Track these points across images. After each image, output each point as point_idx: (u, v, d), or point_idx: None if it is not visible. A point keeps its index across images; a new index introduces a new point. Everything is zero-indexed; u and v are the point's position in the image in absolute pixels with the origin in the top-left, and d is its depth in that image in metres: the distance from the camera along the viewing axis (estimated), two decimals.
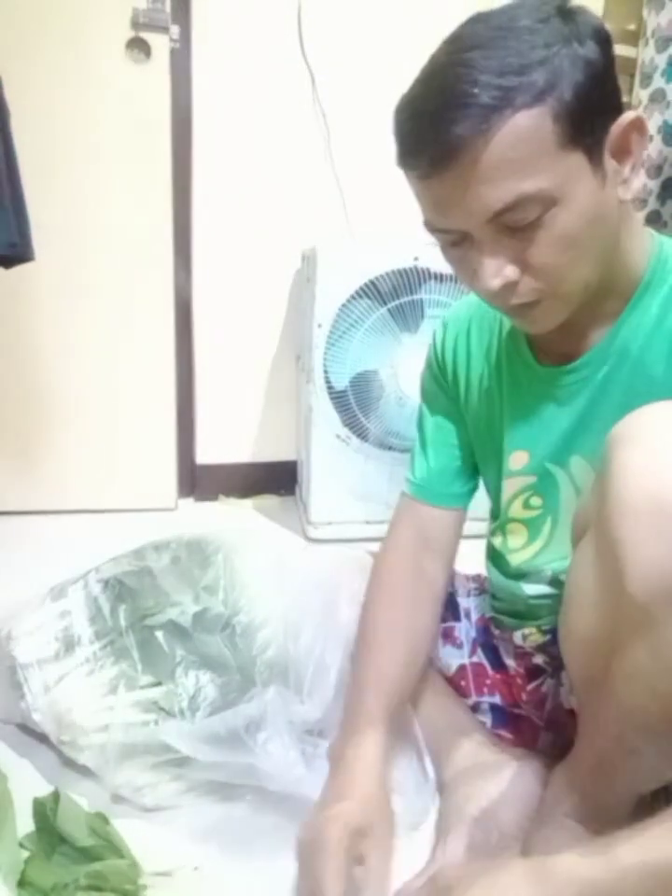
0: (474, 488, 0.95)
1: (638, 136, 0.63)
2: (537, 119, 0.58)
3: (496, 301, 0.68)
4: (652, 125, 1.83)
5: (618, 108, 0.63)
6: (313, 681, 0.87)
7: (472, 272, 0.66)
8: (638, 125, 0.63)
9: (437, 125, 0.59)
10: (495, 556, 0.90)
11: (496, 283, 0.64)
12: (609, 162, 0.63)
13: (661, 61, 1.81)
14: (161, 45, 1.73)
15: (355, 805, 0.72)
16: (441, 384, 0.93)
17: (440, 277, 1.64)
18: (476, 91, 0.57)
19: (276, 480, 2.10)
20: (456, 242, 0.66)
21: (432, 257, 1.63)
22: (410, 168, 0.65)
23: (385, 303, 1.63)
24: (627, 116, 0.62)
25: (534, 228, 0.61)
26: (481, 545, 0.95)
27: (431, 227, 0.67)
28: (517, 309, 0.68)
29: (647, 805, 0.69)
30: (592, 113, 0.60)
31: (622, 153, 0.63)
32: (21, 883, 0.71)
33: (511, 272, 0.64)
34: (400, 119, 0.65)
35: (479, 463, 0.92)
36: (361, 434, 1.73)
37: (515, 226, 0.61)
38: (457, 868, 0.63)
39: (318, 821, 0.70)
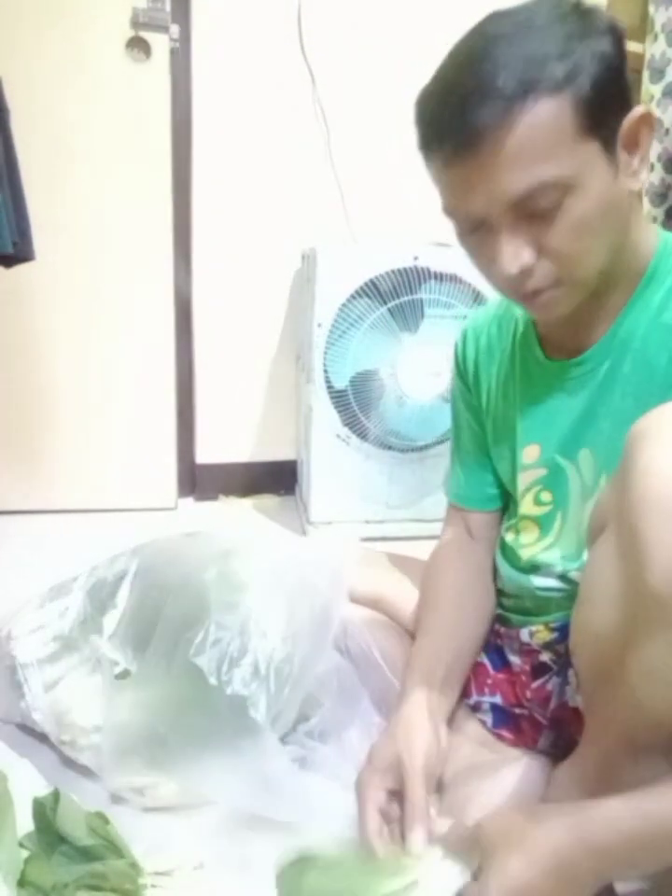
0: None
1: (647, 130, 0.66)
2: (557, 108, 0.60)
3: (511, 286, 0.69)
4: (668, 119, 1.82)
5: (629, 103, 0.66)
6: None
7: (490, 258, 0.67)
8: (648, 120, 0.66)
9: (461, 113, 0.61)
10: (505, 550, 0.91)
11: (514, 267, 0.66)
12: (621, 154, 0.65)
13: (657, 91, 1.81)
14: (161, 44, 1.73)
15: (392, 745, 0.76)
16: (463, 393, 0.95)
17: (440, 277, 1.64)
18: (499, 80, 0.60)
19: (276, 479, 2.10)
20: (475, 228, 0.68)
21: (432, 256, 1.63)
22: (433, 154, 0.67)
23: (385, 303, 1.63)
24: (638, 110, 0.65)
25: (551, 214, 0.63)
26: None
27: (450, 212, 0.69)
28: (531, 296, 0.70)
29: None
30: (607, 105, 0.63)
31: (632, 146, 0.66)
32: (21, 883, 0.71)
33: (528, 256, 0.66)
34: (424, 108, 0.67)
35: (495, 461, 0.93)
36: (361, 433, 1.73)
37: (534, 212, 0.64)
38: (498, 822, 0.65)
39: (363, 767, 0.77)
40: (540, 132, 0.60)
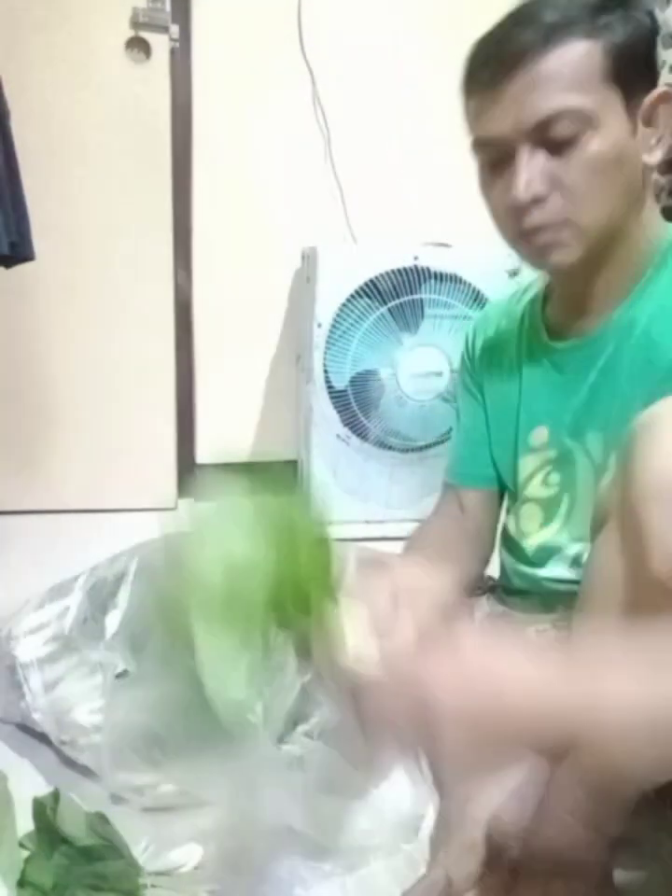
0: None
1: (665, 109, 0.71)
2: (589, 48, 0.67)
3: (519, 217, 0.72)
4: None
5: (655, 77, 0.71)
6: None
7: (505, 190, 0.71)
8: (666, 99, 0.70)
9: (504, 40, 0.70)
10: (509, 544, 0.91)
11: (527, 193, 0.69)
12: (640, 127, 0.70)
13: (669, 57, 1.81)
14: (160, 44, 1.73)
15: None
16: (470, 372, 0.97)
17: (440, 277, 1.64)
18: (542, 14, 0.68)
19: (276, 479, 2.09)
20: (497, 160, 0.72)
21: (432, 256, 1.63)
22: (473, 82, 0.72)
23: (385, 303, 1.63)
24: (659, 88, 0.70)
25: (569, 149, 0.68)
26: None
27: (477, 142, 0.74)
28: (534, 234, 0.72)
29: (648, 803, 0.69)
30: (635, 66, 0.69)
31: (650, 121, 0.70)
32: (21, 883, 0.71)
33: (540, 186, 0.70)
34: (472, 51, 0.73)
35: (495, 446, 0.93)
36: (361, 434, 1.73)
37: (553, 142, 0.68)
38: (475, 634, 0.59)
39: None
40: (571, 63, 0.67)
